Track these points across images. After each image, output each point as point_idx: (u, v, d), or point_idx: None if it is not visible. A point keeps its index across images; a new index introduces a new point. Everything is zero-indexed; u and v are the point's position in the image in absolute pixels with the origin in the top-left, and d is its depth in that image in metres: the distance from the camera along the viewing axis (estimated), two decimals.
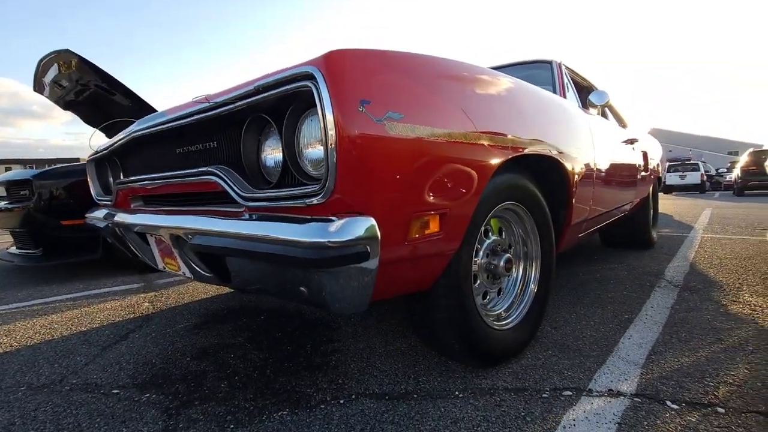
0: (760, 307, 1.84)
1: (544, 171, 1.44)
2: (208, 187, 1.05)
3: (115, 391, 1.24)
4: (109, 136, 4.11)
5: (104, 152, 1.69)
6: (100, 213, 1.71)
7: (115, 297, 2.40)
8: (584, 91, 2.53)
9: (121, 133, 1.51)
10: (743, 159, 14.21)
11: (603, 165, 2.01)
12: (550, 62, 2.31)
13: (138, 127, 1.32)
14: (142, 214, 1.35)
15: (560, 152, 1.45)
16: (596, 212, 2.00)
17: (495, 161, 1.07)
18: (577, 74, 2.60)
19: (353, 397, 1.16)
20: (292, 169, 0.84)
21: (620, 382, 1.18)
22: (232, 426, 1.03)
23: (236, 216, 0.93)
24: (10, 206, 2.84)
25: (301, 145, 0.83)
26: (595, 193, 1.89)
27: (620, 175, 2.40)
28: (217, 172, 0.98)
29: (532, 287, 1.41)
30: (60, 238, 2.81)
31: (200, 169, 1.04)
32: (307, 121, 0.81)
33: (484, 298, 1.33)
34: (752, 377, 1.19)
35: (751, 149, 14.33)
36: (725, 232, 4.43)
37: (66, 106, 3.46)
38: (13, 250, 3.14)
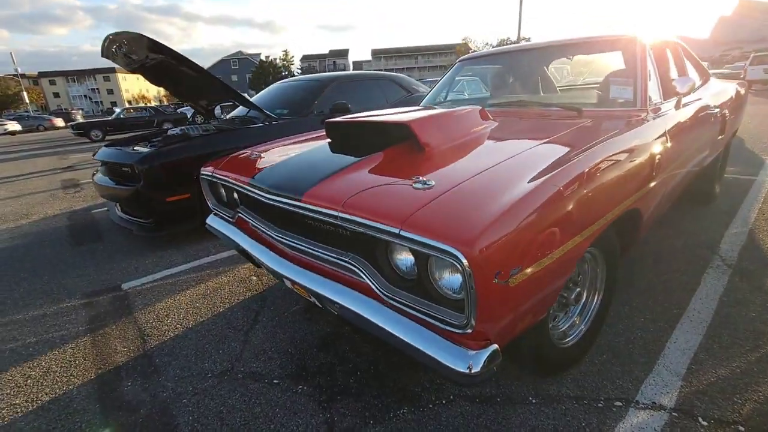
0: None
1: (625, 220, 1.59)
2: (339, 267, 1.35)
3: (276, 381, 1.73)
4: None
5: (219, 181, 1.97)
6: (224, 228, 2.05)
7: (225, 267, 2.91)
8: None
9: (242, 179, 1.77)
10: None
11: (678, 159, 2.05)
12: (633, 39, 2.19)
13: (266, 196, 1.55)
14: (269, 252, 1.67)
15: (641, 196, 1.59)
16: (669, 198, 2.12)
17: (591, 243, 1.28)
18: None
19: (451, 398, 1.57)
20: (427, 284, 1.11)
21: (662, 395, 1.51)
22: (371, 422, 1.49)
23: (379, 300, 1.23)
24: (121, 186, 3.30)
25: (434, 270, 1.08)
26: (667, 188, 1.99)
27: (694, 149, 2.39)
28: (356, 265, 1.26)
29: (594, 310, 1.68)
30: (166, 211, 3.28)
31: (339, 256, 1.32)
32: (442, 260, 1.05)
33: (552, 320, 1.63)
34: None
35: None
36: None
37: (134, 71, 3.68)
38: (120, 213, 3.70)
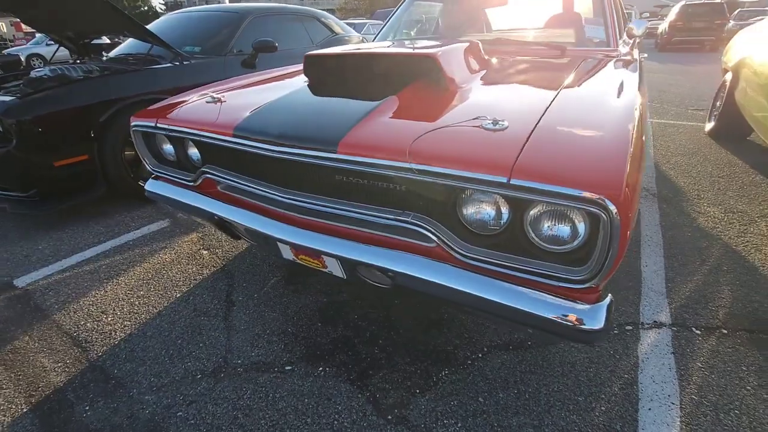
0: (718, 218, 2.45)
1: None
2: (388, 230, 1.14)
3: (289, 368, 1.49)
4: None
5: (171, 134, 1.50)
6: (181, 194, 1.61)
7: (160, 243, 2.38)
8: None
9: (217, 127, 1.35)
10: (673, 13, 14.66)
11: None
12: None
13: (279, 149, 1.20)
14: (272, 221, 1.35)
15: None
16: None
17: None
18: None
19: (485, 350, 1.53)
20: (525, 236, 0.97)
21: (658, 314, 1.69)
22: (417, 391, 1.38)
23: (448, 262, 1.06)
24: None
25: (534, 221, 0.95)
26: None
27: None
28: (423, 225, 1.06)
29: None
30: (54, 178, 2.50)
31: (395, 217, 1.10)
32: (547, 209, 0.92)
33: None
34: (734, 298, 1.77)
35: (682, 2, 14.70)
36: (665, 114, 5.08)
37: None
38: None
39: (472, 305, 1.04)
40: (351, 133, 1.11)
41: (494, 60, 1.81)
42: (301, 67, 2.33)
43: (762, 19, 4.00)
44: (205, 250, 2.31)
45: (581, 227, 0.90)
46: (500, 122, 1.04)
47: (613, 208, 0.79)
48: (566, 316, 0.91)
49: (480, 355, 1.51)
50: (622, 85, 1.41)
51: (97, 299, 1.91)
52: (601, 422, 1.24)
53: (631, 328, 1.62)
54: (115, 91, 2.67)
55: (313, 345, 1.59)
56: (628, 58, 1.96)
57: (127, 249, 2.34)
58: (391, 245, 1.16)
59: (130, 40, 3.78)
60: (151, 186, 1.75)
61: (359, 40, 4.93)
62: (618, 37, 2.10)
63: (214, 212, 1.49)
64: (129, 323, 1.75)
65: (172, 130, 1.50)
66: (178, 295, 1.93)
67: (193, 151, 1.60)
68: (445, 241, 1.04)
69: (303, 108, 1.35)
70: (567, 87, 1.35)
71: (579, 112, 1.15)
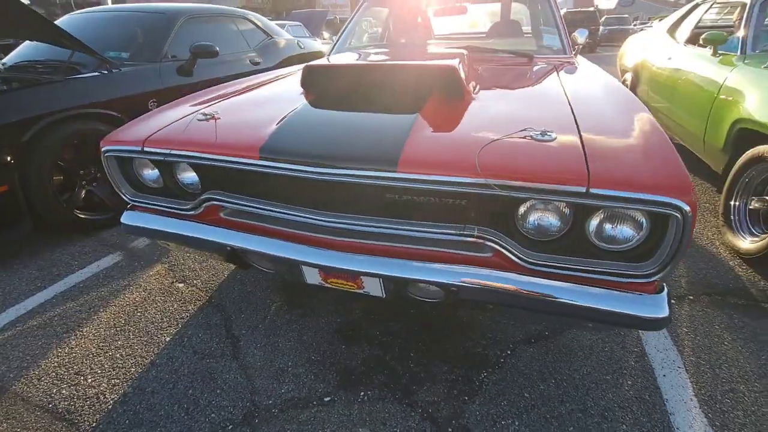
0: None
1: None
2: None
3: (328, 399, 1.40)
4: None
5: (170, 158, 1.31)
6: (177, 227, 1.42)
7: (120, 281, 2.06)
8: None
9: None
10: None
11: None
12: None
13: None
14: (309, 248, 1.25)
15: None
16: None
17: None
18: None
19: (512, 346, 1.61)
20: (585, 238, 1.04)
21: None
22: (465, 398, 1.40)
23: (510, 270, 1.09)
24: None
25: (596, 224, 1.02)
26: None
27: None
28: (489, 237, 1.08)
29: None
30: None
31: (458, 231, 1.09)
32: (611, 213, 0.99)
33: None
34: (687, 268, 2.08)
35: (564, 10, 16.64)
36: None
37: None
38: None
39: (540, 309, 1.09)
40: (406, 150, 1.08)
41: (479, 69, 1.89)
42: (269, 75, 2.21)
43: (646, 26, 4.69)
44: (179, 282, 2.06)
45: (643, 227, 0.99)
46: (548, 133, 1.10)
47: (687, 209, 0.88)
48: (638, 308, 1.00)
49: (509, 352, 1.58)
50: (609, 87, 1.57)
51: (63, 359, 1.60)
52: (632, 395, 1.38)
53: None
54: (36, 106, 2.24)
55: (345, 370, 1.52)
56: (583, 64, 2.18)
57: (79, 293, 1.99)
58: (444, 260, 1.16)
59: (26, 43, 3.20)
60: (129, 218, 1.52)
61: (295, 43, 4.76)
62: (570, 44, 2.33)
63: (228, 243, 1.34)
64: (117, 381, 1.49)
65: (169, 155, 1.31)
66: (167, 338, 1.69)
67: (187, 176, 1.42)
68: (511, 249, 1.07)
69: (332, 125, 1.28)
70: (568, 92, 1.47)
71: (605, 117, 1.26)
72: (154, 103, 2.85)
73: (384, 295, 1.32)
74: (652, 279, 0.99)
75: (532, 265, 1.07)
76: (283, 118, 1.32)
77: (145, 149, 1.34)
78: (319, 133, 1.22)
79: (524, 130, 1.13)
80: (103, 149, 1.41)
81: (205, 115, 1.45)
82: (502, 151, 1.06)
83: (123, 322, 1.79)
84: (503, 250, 1.08)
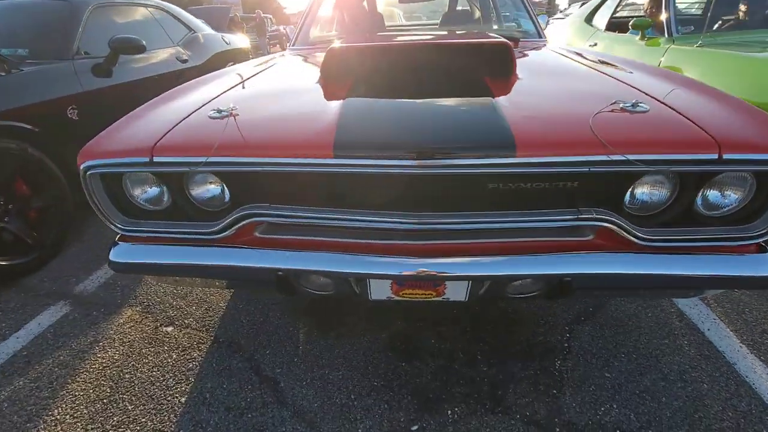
0: None
1: None
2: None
3: (416, 428, 1.22)
4: None
5: (209, 168, 1.00)
6: (185, 255, 1.11)
7: (79, 339, 1.59)
8: None
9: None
10: None
11: None
12: None
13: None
14: (393, 259, 1.05)
15: None
16: None
17: None
18: None
19: (567, 329, 1.58)
20: (690, 207, 1.02)
21: None
22: (554, 392, 1.32)
23: (628, 250, 1.03)
24: None
25: (709, 192, 1.01)
26: None
27: None
28: (608, 218, 1.00)
29: None
30: None
31: (581, 215, 1.00)
32: (721, 177, 0.98)
33: None
34: None
35: None
36: None
37: None
38: None
39: (657, 285, 1.06)
40: (516, 133, 0.95)
41: None
42: (246, 66, 1.88)
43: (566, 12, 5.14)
44: (166, 326, 1.66)
45: (748, 189, 1.01)
46: (639, 104, 1.06)
47: None
48: (752, 269, 1.01)
49: (568, 336, 1.55)
50: (625, 62, 1.62)
51: None
52: (694, 354, 1.44)
53: None
54: None
55: (418, 390, 1.35)
56: (556, 46, 2.26)
57: (26, 366, 1.49)
58: (542, 249, 1.07)
59: None
60: (123, 255, 1.15)
61: (221, 38, 4.27)
62: (542, 29, 2.39)
63: (281, 267, 1.08)
64: None
65: (200, 164, 1.00)
66: (183, 399, 1.34)
67: (206, 190, 1.12)
68: (628, 228, 1.02)
69: (406, 113, 1.09)
70: (598, 68, 1.47)
71: (664, 86, 1.26)
72: (74, 111, 2.29)
73: (466, 299, 1.19)
74: (757, 241, 1.02)
75: (647, 242, 1.02)
76: (335, 110, 1.10)
77: (155, 159, 1.01)
78: (399, 123, 1.03)
79: (614, 102, 1.07)
80: (84, 166, 1.03)
81: (219, 111, 1.14)
82: (609, 124, 0.99)
83: (109, 390, 1.37)
84: (620, 230, 1.02)
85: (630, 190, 1.03)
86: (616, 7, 3.85)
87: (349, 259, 1.06)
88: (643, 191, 1.03)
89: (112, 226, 1.13)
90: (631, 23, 3.18)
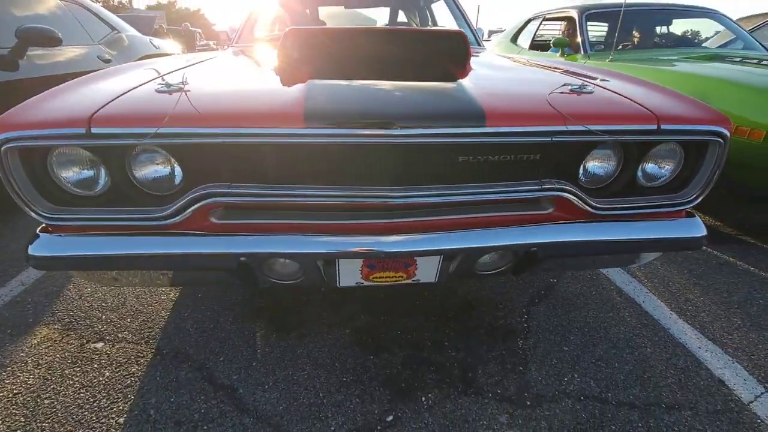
0: None
1: None
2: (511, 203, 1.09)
3: (391, 419, 1.17)
4: None
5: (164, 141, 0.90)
6: (129, 245, 0.98)
7: (15, 356, 1.32)
8: None
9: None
10: None
11: None
12: None
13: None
14: (362, 237, 1.02)
15: None
16: None
17: None
18: None
19: (524, 311, 1.65)
20: (639, 180, 1.13)
21: None
22: (520, 368, 1.36)
23: (585, 219, 1.10)
24: None
25: (642, 163, 1.12)
26: None
27: None
28: (565, 188, 1.06)
29: None
30: None
31: (544, 186, 1.05)
32: (656, 149, 1.10)
33: None
34: None
35: None
36: None
37: None
38: None
39: (611, 251, 1.14)
40: (485, 105, 0.99)
41: None
42: (194, 55, 1.76)
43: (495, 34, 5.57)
44: (95, 342, 1.44)
45: (677, 162, 1.14)
46: (585, 86, 1.16)
47: (728, 134, 1.05)
48: (689, 231, 1.14)
49: (526, 317, 1.61)
50: (551, 62, 1.78)
51: None
52: (635, 323, 1.58)
53: None
54: None
55: (390, 380, 1.30)
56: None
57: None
58: (507, 223, 1.11)
59: None
60: (48, 247, 0.98)
61: (148, 41, 3.98)
62: (481, 38, 2.57)
63: (243, 252, 0.99)
64: None
65: (142, 135, 0.88)
66: (120, 419, 1.15)
67: (153, 170, 1.00)
68: (585, 199, 1.09)
69: (377, 90, 1.07)
70: (537, 63, 1.60)
71: (600, 75, 1.39)
72: None
73: (436, 279, 1.19)
74: (691, 205, 1.15)
75: (600, 210, 1.11)
76: (300, 87, 1.05)
77: (93, 131, 0.88)
78: (370, 96, 1.02)
79: (564, 85, 1.16)
80: (1, 137, 0.87)
81: (168, 85, 1.04)
82: (564, 102, 1.07)
83: (24, 419, 1.14)
84: (577, 200, 1.09)
85: (582, 164, 1.11)
86: (536, 30, 4.27)
87: (318, 239, 1.01)
88: (594, 164, 1.12)
89: (34, 214, 0.96)
90: (552, 41, 3.55)
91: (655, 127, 1.01)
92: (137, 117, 0.92)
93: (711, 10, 3.65)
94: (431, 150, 0.98)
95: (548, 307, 1.66)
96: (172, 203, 0.99)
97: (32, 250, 0.98)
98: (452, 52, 1.34)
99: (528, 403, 1.23)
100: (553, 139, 0.99)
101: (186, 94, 1.01)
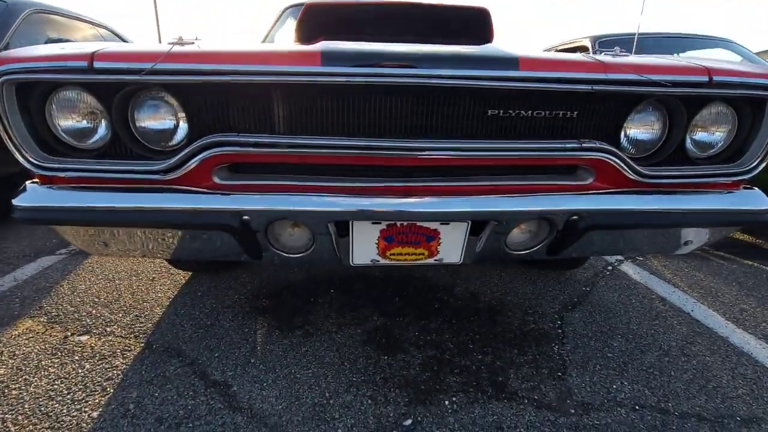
0: None
1: None
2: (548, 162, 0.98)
3: (408, 422, 0.98)
4: None
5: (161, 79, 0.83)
6: (124, 199, 0.88)
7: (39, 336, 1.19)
8: None
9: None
10: None
11: None
12: None
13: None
14: (349, 198, 0.90)
15: None
16: None
17: None
18: None
19: (556, 317, 1.46)
20: (689, 150, 1.01)
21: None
22: (559, 374, 1.16)
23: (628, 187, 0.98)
24: None
25: (691, 128, 1.00)
26: None
27: None
28: (613, 149, 0.95)
29: None
30: None
31: (585, 145, 0.94)
32: (705, 112, 0.99)
33: None
34: None
35: None
36: None
37: None
38: None
39: (660, 224, 1.00)
40: (518, 55, 0.91)
41: None
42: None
43: None
44: (80, 335, 1.30)
45: (731, 127, 1.02)
46: (622, 52, 1.08)
47: None
48: (751, 203, 1.00)
49: (560, 323, 1.43)
50: None
51: None
52: (687, 331, 1.38)
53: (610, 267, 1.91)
54: None
55: (408, 382, 1.12)
56: None
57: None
58: (543, 192, 0.99)
59: None
60: (37, 198, 0.90)
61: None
62: None
63: (247, 208, 0.89)
64: None
65: (145, 71, 0.82)
66: (95, 413, 0.99)
67: (156, 122, 0.93)
68: (630, 163, 0.97)
69: (395, 41, 1.01)
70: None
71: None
72: None
73: (461, 260, 1.05)
74: (750, 175, 1.01)
75: (647, 178, 0.98)
76: (319, 41, 1.00)
77: (96, 65, 0.82)
78: (394, 43, 0.95)
79: (598, 51, 1.09)
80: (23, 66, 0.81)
81: (179, 39, 0.99)
82: (604, 59, 0.98)
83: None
84: (621, 165, 0.97)
85: (624, 129, 1.01)
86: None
87: (330, 199, 0.90)
88: (636, 130, 1.01)
89: (25, 161, 0.88)
90: None
91: (706, 78, 0.91)
92: (142, 53, 0.85)
93: (726, 39, 3.66)
94: (456, 96, 0.89)
95: (584, 314, 1.48)
96: (175, 155, 0.90)
97: (18, 201, 0.88)
98: (477, 27, 1.30)
99: (572, 410, 1.03)
100: (594, 87, 0.89)
101: (199, 47, 0.96)
